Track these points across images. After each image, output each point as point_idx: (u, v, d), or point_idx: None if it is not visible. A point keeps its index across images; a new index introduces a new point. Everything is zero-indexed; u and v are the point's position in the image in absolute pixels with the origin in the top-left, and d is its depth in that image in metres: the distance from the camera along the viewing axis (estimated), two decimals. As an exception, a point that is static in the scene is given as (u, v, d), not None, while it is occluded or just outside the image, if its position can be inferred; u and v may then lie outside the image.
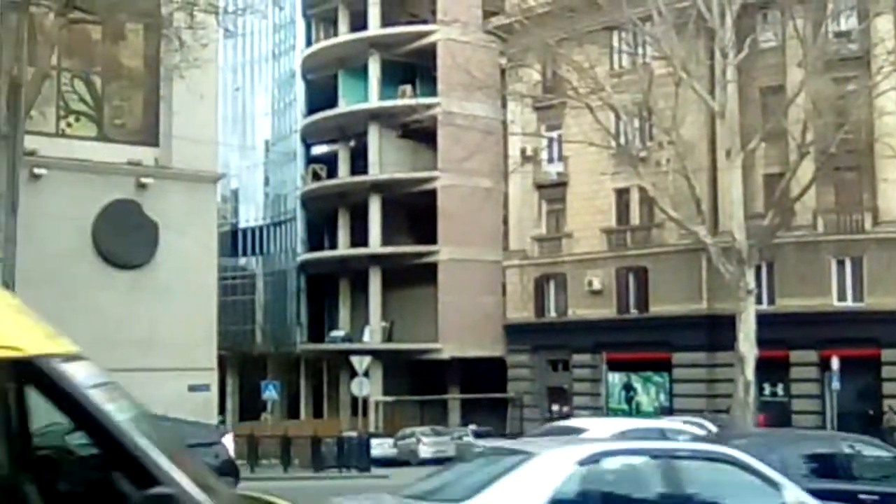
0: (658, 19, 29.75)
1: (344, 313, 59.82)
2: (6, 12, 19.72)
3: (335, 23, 59.99)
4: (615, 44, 38.90)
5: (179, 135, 25.07)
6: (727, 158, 30.81)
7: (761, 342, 28.21)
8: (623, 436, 15.82)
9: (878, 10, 33.60)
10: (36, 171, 23.37)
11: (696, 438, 16.21)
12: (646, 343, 42.92)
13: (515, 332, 49.57)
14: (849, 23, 35.89)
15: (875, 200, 39.11)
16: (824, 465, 12.05)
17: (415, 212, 55.15)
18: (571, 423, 21.61)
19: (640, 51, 35.68)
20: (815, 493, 9.25)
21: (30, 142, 21.41)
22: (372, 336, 56.28)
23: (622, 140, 33.67)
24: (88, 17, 22.30)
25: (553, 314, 48.59)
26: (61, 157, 23.93)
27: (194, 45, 22.64)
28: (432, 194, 53.96)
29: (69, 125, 25.21)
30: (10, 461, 4.46)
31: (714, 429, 22.70)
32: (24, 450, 4.50)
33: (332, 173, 60.59)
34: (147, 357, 23.05)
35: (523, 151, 46.62)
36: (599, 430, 17.22)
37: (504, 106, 47.47)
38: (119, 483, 4.40)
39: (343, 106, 58.53)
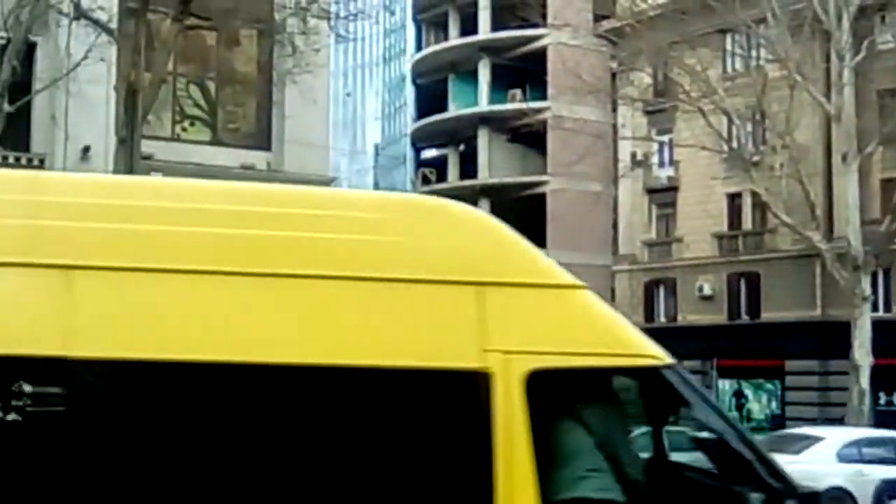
0: (772, 21, 29.32)
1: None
2: (124, 19, 20.29)
3: (445, 27, 60.33)
4: (728, 47, 38.39)
5: (291, 139, 25.50)
6: (843, 163, 30.19)
7: (877, 350, 27.60)
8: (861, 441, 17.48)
9: None
10: (152, 174, 23.98)
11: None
12: (757, 350, 42.24)
13: (624, 338, 49.05)
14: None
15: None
16: None
17: (524, 216, 54.82)
18: (806, 430, 22.50)
19: (753, 54, 35.16)
20: None
21: (146, 146, 21.99)
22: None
23: (734, 144, 33.21)
24: (204, 24, 22.85)
25: (663, 319, 48.09)
26: (177, 160, 24.52)
27: (307, 50, 23.03)
28: (541, 198, 53.91)
29: (184, 129, 25.85)
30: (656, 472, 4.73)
31: None
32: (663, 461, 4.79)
33: (441, 177, 60.95)
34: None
35: (633, 155, 46.28)
36: (836, 436, 18.15)
37: (614, 110, 47.18)
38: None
39: (453, 110, 58.83)
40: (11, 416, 4.15)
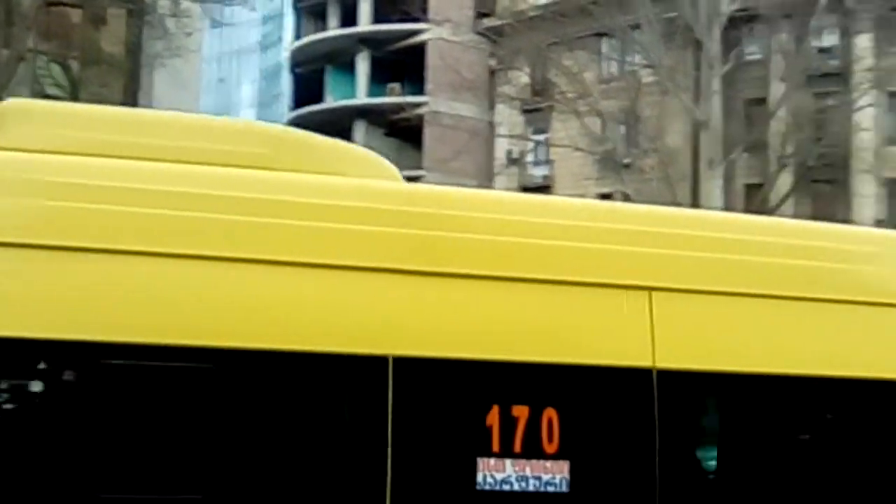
0: (647, 28, 29.70)
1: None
2: (-19, -8, 19.55)
3: (325, 17, 59.81)
4: (604, 50, 38.81)
5: (159, 124, 24.86)
6: (709, 168, 30.79)
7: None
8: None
9: (857, 29, 33.68)
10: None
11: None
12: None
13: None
14: (830, 39, 35.97)
15: (849, 214, 39.22)
16: None
17: (399, 210, 54.91)
18: None
19: (628, 58, 35.63)
20: None
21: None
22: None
23: (607, 146, 33.61)
24: (68, 1, 22.17)
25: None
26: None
27: (178, 33, 22.52)
28: (417, 193, 53.73)
29: (44, 109, 24.97)
30: None
31: None
32: None
33: (317, 168, 60.25)
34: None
35: (509, 153, 46.52)
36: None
37: (492, 108, 47.33)
38: None
39: (330, 101, 58.35)
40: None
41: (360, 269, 4.83)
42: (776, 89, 33.93)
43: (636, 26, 30.70)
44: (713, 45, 29.24)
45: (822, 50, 35.49)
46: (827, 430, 5.39)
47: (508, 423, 4.76)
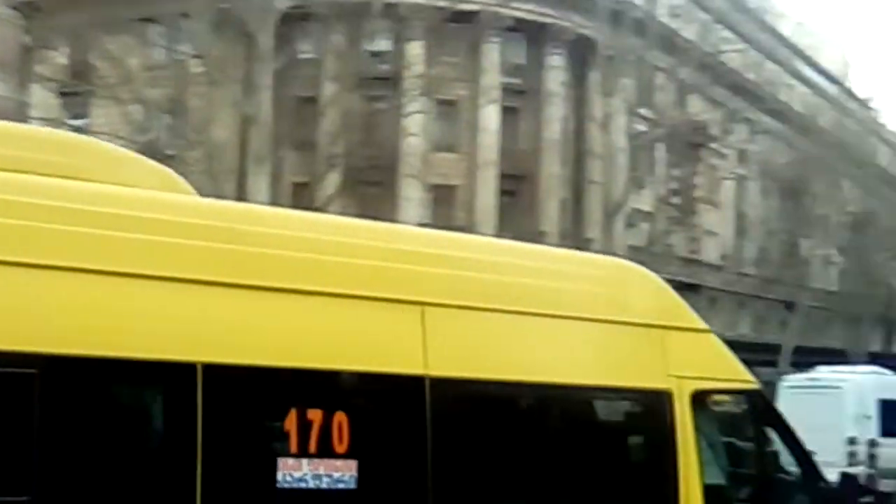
0: (197, 17, 28.89)
1: None
2: None
3: None
4: (151, 36, 37.44)
5: None
6: (256, 163, 30.52)
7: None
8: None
9: (409, 36, 34.79)
10: None
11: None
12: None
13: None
14: (383, 44, 36.92)
15: (395, 216, 40.50)
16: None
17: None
18: None
19: (176, 47, 34.54)
20: None
21: None
22: None
23: (150, 135, 32.35)
24: None
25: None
26: None
27: None
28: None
29: None
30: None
31: None
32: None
33: None
34: None
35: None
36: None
37: (25, 87, 44.29)
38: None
39: None
40: None
41: (167, 280, 4.98)
42: (328, 89, 34.27)
43: (186, 14, 29.78)
44: (266, 39, 29.01)
45: (374, 54, 36.33)
46: (554, 428, 6.26)
47: (304, 426, 5.10)
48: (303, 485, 5.09)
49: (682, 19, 43.43)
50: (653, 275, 6.99)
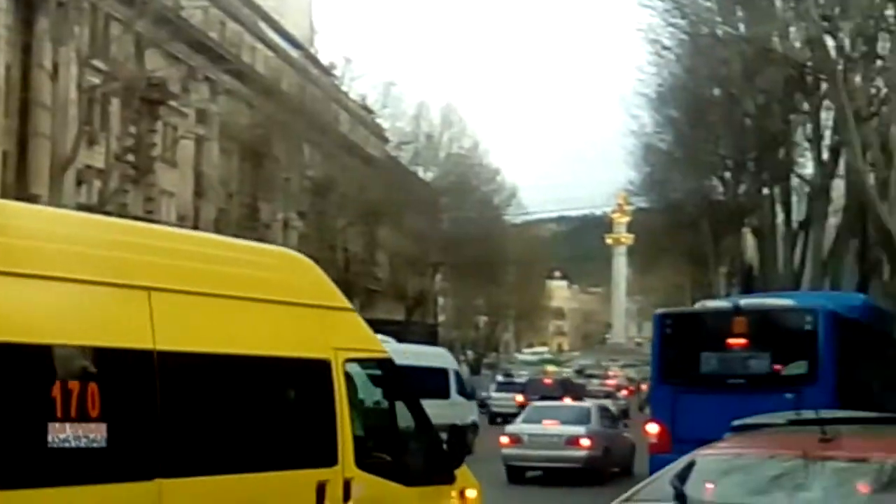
0: None
1: None
2: None
3: None
4: None
5: None
6: None
7: None
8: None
9: None
10: None
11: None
12: None
13: None
14: None
15: None
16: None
17: None
18: None
19: None
20: None
21: None
22: None
23: None
24: None
25: None
26: None
27: None
28: None
29: None
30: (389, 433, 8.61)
31: None
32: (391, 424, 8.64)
33: None
34: None
35: None
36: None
37: None
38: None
39: None
40: None
41: None
42: None
43: None
44: None
45: None
46: (247, 391, 7.26)
47: (65, 395, 5.88)
48: (67, 444, 5.84)
49: (139, -31, 41.36)
50: (312, 263, 8.41)
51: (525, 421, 25.75)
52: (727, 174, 50.04)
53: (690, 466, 6.14)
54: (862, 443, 6.33)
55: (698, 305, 21.02)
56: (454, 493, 8.79)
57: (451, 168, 71.56)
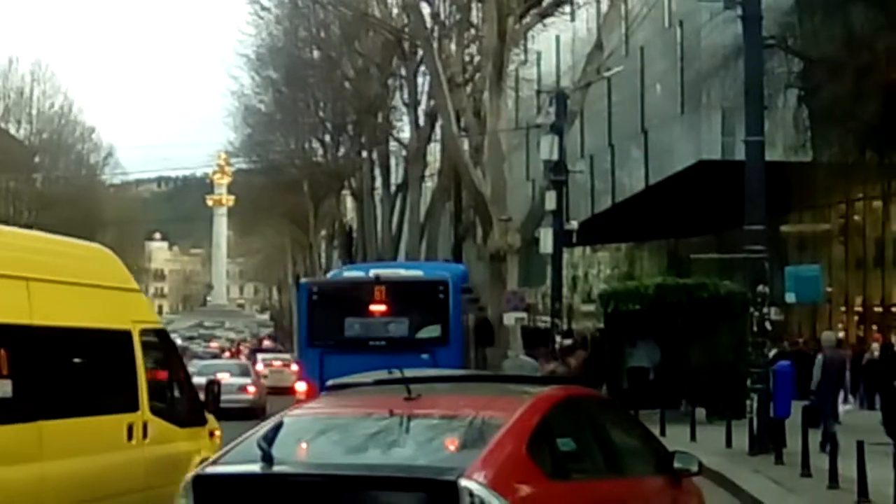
0: None
1: None
2: None
3: None
4: None
5: None
6: None
7: None
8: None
9: None
10: None
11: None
12: None
13: None
14: None
15: None
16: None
17: None
18: None
19: None
20: None
21: None
22: None
23: None
24: None
25: None
26: None
27: None
28: None
29: None
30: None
31: None
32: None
33: None
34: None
35: None
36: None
37: None
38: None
39: None
40: None
41: None
42: None
43: None
44: None
45: None
46: (75, 354, 9.16)
47: None
48: None
49: None
50: (113, 255, 10.42)
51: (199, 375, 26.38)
52: (327, 137, 50.30)
53: (279, 427, 6.15)
54: (445, 400, 6.56)
55: (340, 275, 22.62)
56: (205, 433, 10.82)
57: (44, 126, 67.76)
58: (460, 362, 19.19)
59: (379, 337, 18.34)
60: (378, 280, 19.00)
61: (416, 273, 21.06)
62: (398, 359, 15.68)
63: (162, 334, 10.73)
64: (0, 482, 7.73)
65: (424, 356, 17.47)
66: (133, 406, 9.52)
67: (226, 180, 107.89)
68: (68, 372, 8.84)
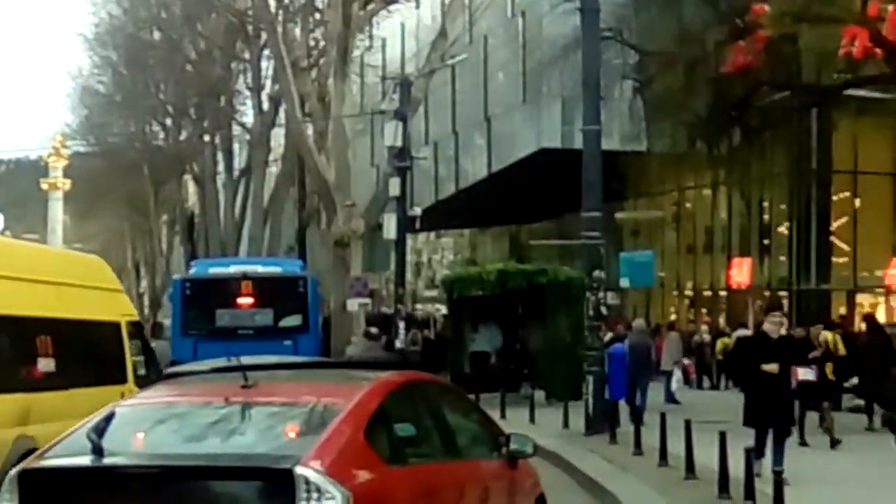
0: None
1: None
2: None
3: None
4: None
5: None
6: None
7: None
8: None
9: None
10: None
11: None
12: None
13: None
14: None
15: None
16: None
17: None
18: None
19: None
20: None
21: None
22: None
23: None
24: None
25: None
26: None
27: None
28: None
29: None
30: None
31: None
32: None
33: None
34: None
35: None
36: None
37: None
38: None
39: None
40: None
41: None
42: None
43: None
44: None
45: None
46: (92, 341, 11.77)
47: None
48: None
49: None
50: (104, 263, 13.75)
51: None
52: (168, 120, 49.38)
53: (110, 418, 5.96)
54: (284, 388, 6.56)
55: (205, 270, 24.22)
56: None
57: None
58: (320, 347, 22.12)
59: (246, 326, 20.79)
60: (245, 276, 21.68)
61: (278, 270, 23.53)
62: (264, 345, 17.01)
63: (138, 325, 13.52)
64: (45, 436, 8.68)
65: (287, 342, 20.05)
66: (123, 379, 12.16)
67: (62, 163, 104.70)
68: (82, 353, 11.32)
